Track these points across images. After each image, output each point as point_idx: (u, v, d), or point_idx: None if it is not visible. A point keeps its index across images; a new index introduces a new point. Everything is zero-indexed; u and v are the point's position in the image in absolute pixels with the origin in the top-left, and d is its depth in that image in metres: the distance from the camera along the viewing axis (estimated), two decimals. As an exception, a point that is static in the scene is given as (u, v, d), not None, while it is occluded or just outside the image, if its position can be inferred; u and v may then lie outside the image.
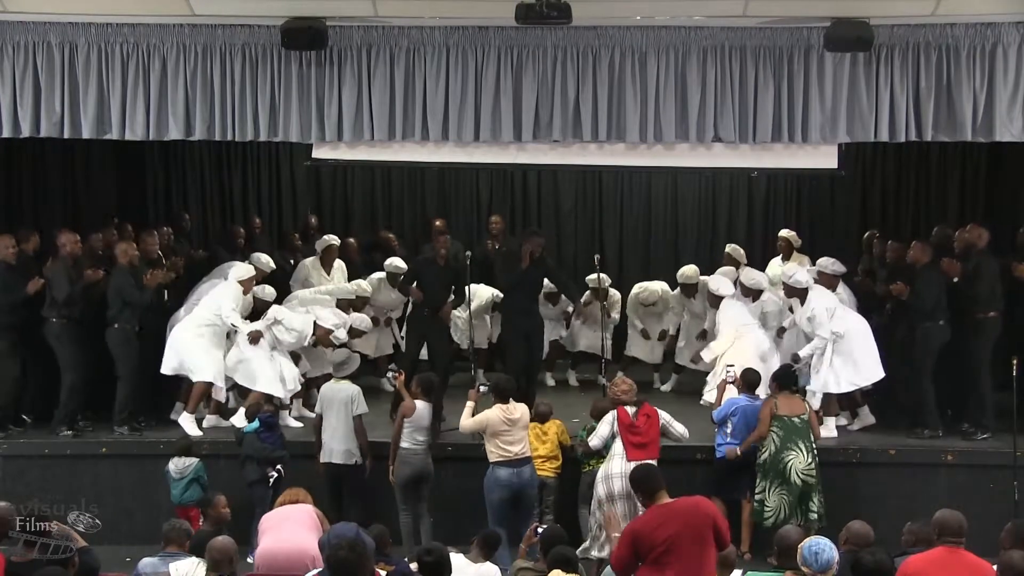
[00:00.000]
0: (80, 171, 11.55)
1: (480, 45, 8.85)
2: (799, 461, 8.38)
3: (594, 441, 8.31)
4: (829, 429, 9.45)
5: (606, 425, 8.24)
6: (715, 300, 10.40)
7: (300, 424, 10.00)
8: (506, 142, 9.21)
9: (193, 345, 9.65)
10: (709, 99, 8.84)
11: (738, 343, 9.90)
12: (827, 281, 9.80)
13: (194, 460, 8.76)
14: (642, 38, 8.82)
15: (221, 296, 9.79)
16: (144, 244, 10.14)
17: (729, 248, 11.62)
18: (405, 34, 8.86)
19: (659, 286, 11.88)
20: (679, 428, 8.39)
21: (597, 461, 8.37)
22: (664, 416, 8.31)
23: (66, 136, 9.02)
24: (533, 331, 10.49)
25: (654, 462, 7.75)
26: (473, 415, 8.58)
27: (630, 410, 8.20)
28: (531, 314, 10.50)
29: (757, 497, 8.51)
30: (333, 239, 11.69)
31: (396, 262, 11.42)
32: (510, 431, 8.36)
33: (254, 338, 9.66)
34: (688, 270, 11.58)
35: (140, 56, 8.83)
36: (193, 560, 6.28)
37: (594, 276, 11.22)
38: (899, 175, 12.90)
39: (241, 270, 10.09)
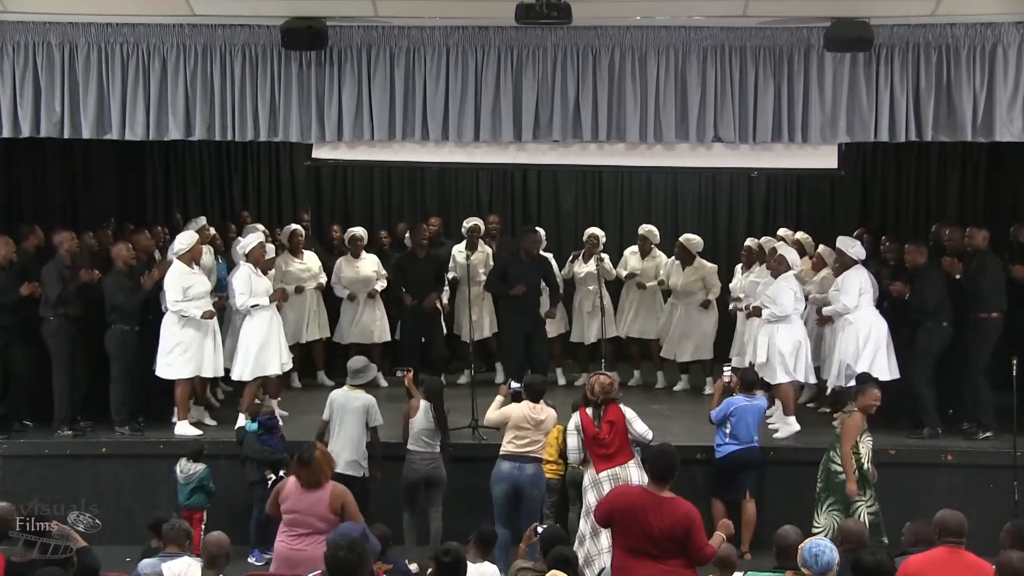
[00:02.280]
0: (80, 171, 11.54)
1: (480, 45, 8.86)
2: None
3: (571, 456, 8.12)
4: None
5: (573, 436, 7.98)
6: (778, 270, 9.88)
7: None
8: (506, 142, 9.24)
9: (168, 342, 9.55)
10: (709, 99, 8.84)
11: (790, 324, 9.71)
12: (844, 261, 9.70)
13: (200, 467, 8.72)
14: (642, 38, 8.83)
15: (167, 286, 9.57)
16: (139, 244, 10.11)
17: (799, 235, 11.40)
18: (405, 34, 8.86)
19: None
20: (639, 428, 7.92)
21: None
22: (628, 414, 7.96)
23: (66, 136, 9.02)
24: (534, 331, 10.45)
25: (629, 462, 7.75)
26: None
27: (592, 412, 7.90)
28: (531, 314, 10.47)
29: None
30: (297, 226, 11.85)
31: (355, 230, 11.70)
32: (529, 430, 8.24)
33: (208, 316, 9.58)
34: (693, 236, 11.57)
35: (140, 56, 8.84)
36: (186, 560, 6.28)
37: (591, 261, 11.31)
38: (899, 175, 12.89)
39: (181, 241, 9.75)
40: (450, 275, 11.49)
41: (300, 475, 6.84)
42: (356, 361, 8.75)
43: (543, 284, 10.89)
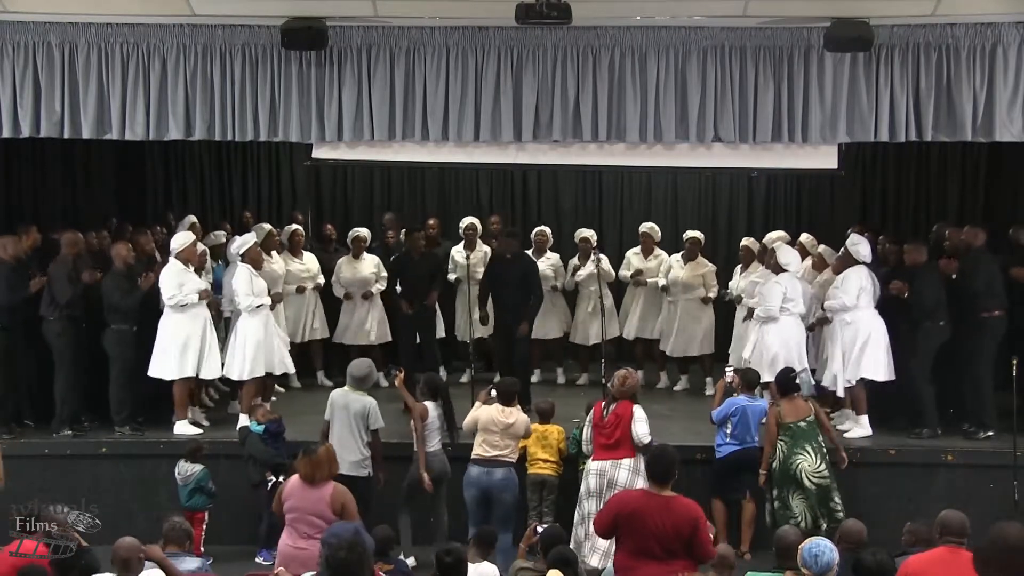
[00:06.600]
0: (80, 171, 11.54)
1: (480, 45, 8.87)
2: (807, 464, 8.33)
3: (584, 447, 8.29)
4: (863, 427, 9.48)
5: (587, 427, 8.26)
6: (777, 269, 9.89)
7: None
8: (506, 142, 9.24)
9: (164, 341, 9.50)
10: (709, 99, 8.85)
11: (780, 323, 9.66)
12: (848, 260, 9.70)
13: (197, 468, 8.70)
14: (642, 38, 8.83)
15: (161, 283, 9.50)
16: (138, 245, 10.09)
17: (803, 237, 11.30)
18: (405, 34, 8.87)
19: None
20: (639, 429, 7.97)
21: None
22: (637, 413, 8.02)
23: (66, 136, 9.03)
24: (516, 329, 10.37)
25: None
26: None
27: (605, 404, 8.10)
28: (517, 311, 10.40)
29: (777, 504, 8.42)
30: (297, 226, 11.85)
31: (359, 230, 11.75)
32: (496, 434, 8.19)
33: (204, 297, 9.55)
34: (696, 232, 11.68)
35: (140, 56, 8.85)
36: None
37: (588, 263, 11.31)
38: (899, 175, 12.91)
39: (179, 240, 9.71)
40: (452, 277, 11.49)
41: (301, 466, 6.84)
42: (359, 368, 8.48)
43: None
